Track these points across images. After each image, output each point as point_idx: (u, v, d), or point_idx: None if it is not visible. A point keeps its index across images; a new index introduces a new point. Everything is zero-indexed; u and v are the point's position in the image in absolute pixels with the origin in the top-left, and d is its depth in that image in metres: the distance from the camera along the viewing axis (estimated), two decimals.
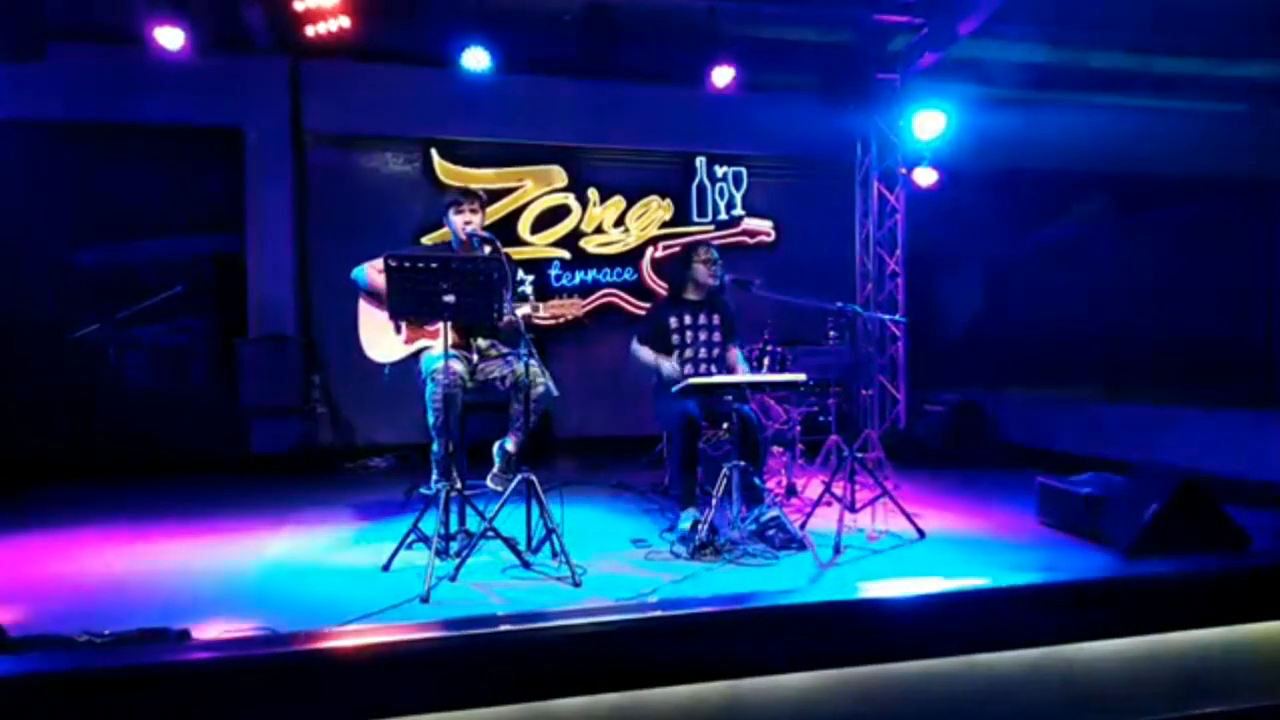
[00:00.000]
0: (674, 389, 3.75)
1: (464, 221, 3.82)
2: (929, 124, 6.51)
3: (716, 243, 6.97)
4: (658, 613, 2.05)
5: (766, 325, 4.88)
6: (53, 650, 2.14)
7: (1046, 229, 8.32)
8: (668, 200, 7.19)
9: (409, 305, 3.31)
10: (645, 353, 4.15)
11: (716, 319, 4.24)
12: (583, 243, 7.01)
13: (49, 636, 2.22)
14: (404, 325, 3.90)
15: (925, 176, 6.99)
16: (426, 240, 6.43)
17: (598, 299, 7.00)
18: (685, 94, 6.77)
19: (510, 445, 3.87)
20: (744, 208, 7.35)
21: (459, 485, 3.36)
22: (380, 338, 3.94)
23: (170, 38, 5.34)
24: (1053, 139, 7.70)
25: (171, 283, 5.27)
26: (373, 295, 3.91)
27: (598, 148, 7.04)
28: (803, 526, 3.80)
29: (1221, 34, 6.78)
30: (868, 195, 6.98)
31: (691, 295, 4.27)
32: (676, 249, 6.60)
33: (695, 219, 7.26)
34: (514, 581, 3.15)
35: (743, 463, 3.58)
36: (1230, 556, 3.15)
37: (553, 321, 3.77)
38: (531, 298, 5.97)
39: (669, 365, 4.03)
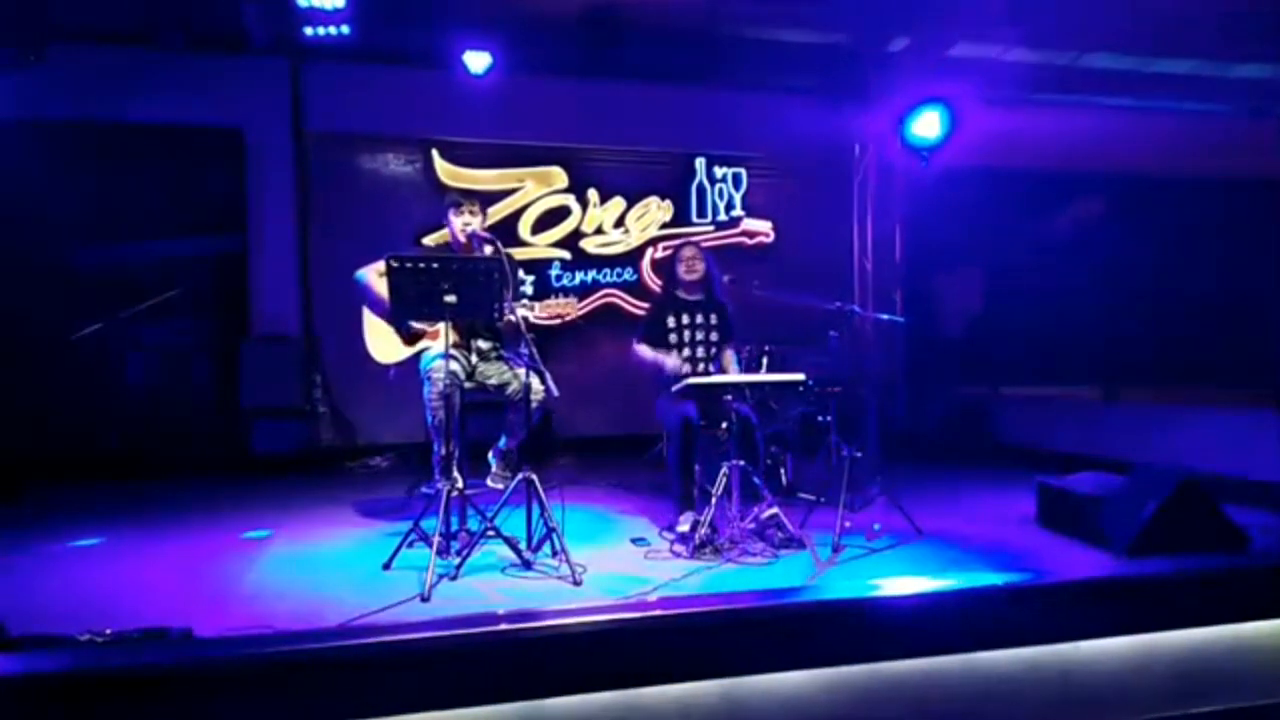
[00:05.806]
0: (673, 389, 3.75)
1: (464, 223, 3.84)
2: (927, 124, 6.52)
3: (716, 243, 7.00)
4: (658, 611, 2.06)
5: (766, 325, 4.88)
6: (53, 650, 2.14)
7: (1046, 229, 8.32)
8: (667, 201, 7.19)
9: (411, 305, 3.33)
10: (646, 351, 4.16)
11: (714, 319, 4.24)
12: (583, 243, 7.01)
13: (49, 636, 2.23)
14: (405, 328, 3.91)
15: (923, 176, 7.01)
16: (428, 241, 6.43)
17: (598, 299, 7.00)
18: (685, 94, 6.77)
19: (503, 445, 3.90)
20: (743, 208, 7.35)
21: (460, 484, 3.37)
22: (385, 338, 3.95)
23: (171, 38, 5.37)
24: (1052, 139, 7.70)
25: (172, 283, 5.28)
26: (372, 300, 3.90)
27: (598, 148, 7.04)
28: (802, 525, 3.81)
29: (1219, 35, 6.78)
30: (866, 195, 6.98)
31: (686, 295, 4.28)
32: (672, 250, 6.61)
33: (695, 220, 7.26)
34: (514, 580, 3.15)
35: (742, 462, 3.59)
36: (1229, 556, 3.15)
37: (550, 322, 3.77)
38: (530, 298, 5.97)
39: (672, 361, 4.04)
